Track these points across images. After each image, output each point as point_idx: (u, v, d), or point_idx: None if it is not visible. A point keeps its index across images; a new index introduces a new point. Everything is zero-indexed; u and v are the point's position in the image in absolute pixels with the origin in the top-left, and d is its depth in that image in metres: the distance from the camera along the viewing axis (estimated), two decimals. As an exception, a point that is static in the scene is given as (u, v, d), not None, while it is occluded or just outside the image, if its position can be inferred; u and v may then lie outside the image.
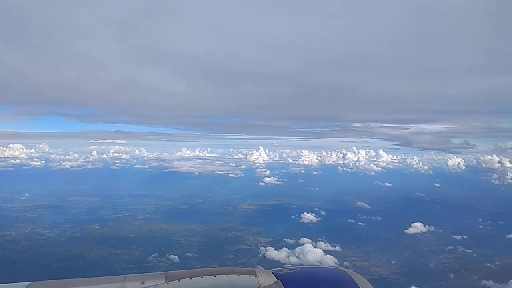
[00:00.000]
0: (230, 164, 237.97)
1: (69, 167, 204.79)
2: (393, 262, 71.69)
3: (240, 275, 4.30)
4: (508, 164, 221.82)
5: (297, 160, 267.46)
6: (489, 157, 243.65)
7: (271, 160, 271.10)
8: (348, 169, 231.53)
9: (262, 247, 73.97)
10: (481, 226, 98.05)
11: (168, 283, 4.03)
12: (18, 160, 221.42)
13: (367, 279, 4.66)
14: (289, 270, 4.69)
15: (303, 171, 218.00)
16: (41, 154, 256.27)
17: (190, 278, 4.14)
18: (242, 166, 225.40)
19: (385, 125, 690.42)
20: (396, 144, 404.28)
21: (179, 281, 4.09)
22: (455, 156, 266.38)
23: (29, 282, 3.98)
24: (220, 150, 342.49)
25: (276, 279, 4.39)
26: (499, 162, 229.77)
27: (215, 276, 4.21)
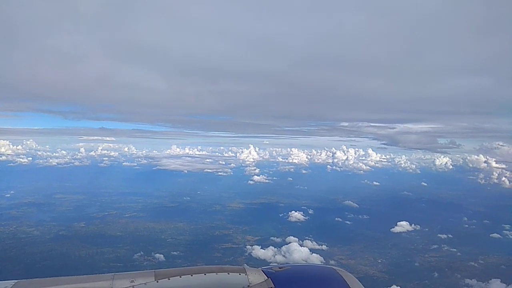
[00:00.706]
0: (220, 162, 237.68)
1: (56, 164, 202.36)
2: (380, 261, 72.44)
3: (230, 273, 4.31)
4: (494, 164, 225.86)
5: (287, 159, 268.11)
6: (476, 157, 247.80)
7: (261, 158, 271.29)
8: (337, 168, 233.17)
9: (249, 246, 74.06)
10: (466, 225, 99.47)
11: (157, 281, 4.01)
12: (4, 157, 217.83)
13: (356, 277, 4.70)
14: (279, 268, 4.70)
15: (292, 169, 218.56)
16: (28, 151, 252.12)
17: (180, 276, 4.12)
18: (232, 164, 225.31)
19: (372, 124, 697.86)
20: (383, 144, 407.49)
21: (169, 279, 4.06)
22: (443, 156, 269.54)
23: (16, 280, 3.93)
24: (211, 148, 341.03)
25: (266, 277, 4.40)
26: (485, 162, 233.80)
27: (205, 274, 4.20)
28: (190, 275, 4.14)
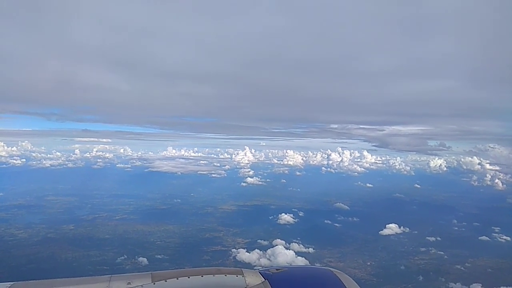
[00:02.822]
0: (215, 164, 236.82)
1: (49, 165, 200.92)
2: (369, 263, 72.45)
3: (227, 275, 4.29)
4: (488, 166, 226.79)
5: (282, 161, 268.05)
6: (470, 158, 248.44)
7: (256, 160, 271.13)
8: (331, 170, 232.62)
9: (234, 249, 73.88)
10: (456, 228, 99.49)
11: (154, 283, 3.99)
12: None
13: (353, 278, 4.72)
14: (276, 270, 4.68)
15: (287, 171, 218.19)
16: (22, 152, 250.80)
17: (177, 278, 4.09)
18: (226, 166, 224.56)
19: (361, 126, 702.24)
20: (374, 145, 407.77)
21: (166, 281, 4.04)
22: (437, 158, 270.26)
23: (12, 282, 3.90)
24: (207, 149, 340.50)
25: (263, 279, 4.37)
26: (479, 164, 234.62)
27: (202, 276, 4.18)
28: (187, 277, 4.12)
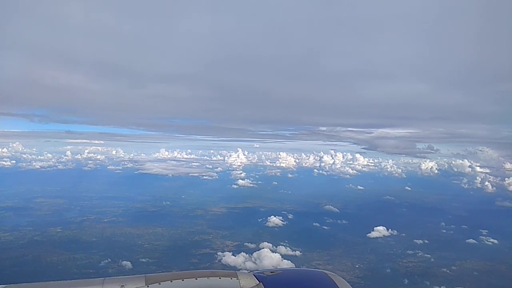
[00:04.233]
0: (207, 166, 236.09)
1: (39, 167, 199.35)
2: (357, 266, 72.59)
3: (221, 277, 4.29)
4: (478, 169, 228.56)
5: (274, 163, 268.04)
6: (460, 161, 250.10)
7: (249, 162, 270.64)
8: (324, 172, 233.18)
9: (220, 252, 73.62)
10: (444, 231, 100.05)
11: (148, 286, 3.97)
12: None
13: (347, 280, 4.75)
14: (271, 272, 4.70)
15: (279, 173, 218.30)
16: (13, 153, 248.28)
17: (171, 281, 4.08)
18: (219, 168, 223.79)
19: (349, 129, 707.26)
20: (364, 148, 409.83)
21: (160, 284, 4.02)
22: (428, 160, 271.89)
23: (4, 286, 3.89)
24: (200, 151, 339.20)
25: (258, 282, 4.38)
26: (469, 166, 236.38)
27: (196, 279, 4.16)
28: (181, 280, 4.11)
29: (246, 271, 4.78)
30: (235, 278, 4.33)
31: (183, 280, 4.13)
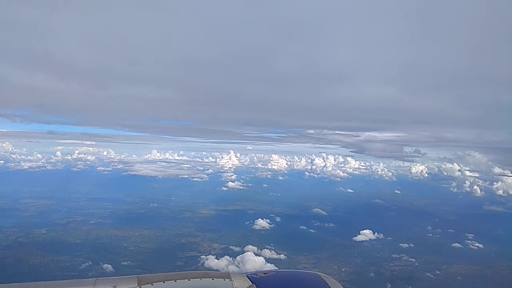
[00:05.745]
0: (198, 167, 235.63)
1: (27, 168, 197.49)
2: (343, 269, 72.65)
3: (214, 278, 4.28)
4: (467, 173, 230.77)
5: (266, 165, 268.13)
6: (450, 165, 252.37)
7: (241, 164, 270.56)
8: (315, 175, 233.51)
9: (203, 256, 73.32)
10: (430, 234, 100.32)
11: (140, 287, 3.94)
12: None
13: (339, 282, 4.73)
14: (264, 273, 4.69)
15: (269, 176, 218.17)
16: (2, 153, 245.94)
17: (164, 282, 4.04)
18: (209, 170, 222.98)
19: (336, 132, 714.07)
20: (352, 151, 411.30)
21: (152, 285, 3.99)
22: (418, 164, 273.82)
23: None
24: (193, 153, 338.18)
25: (251, 283, 4.36)
26: (459, 170, 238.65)
27: (189, 280, 4.14)
28: (174, 281, 4.08)
29: (240, 273, 4.76)
30: (228, 279, 4.33)
31: (175, 281, 4.11)
